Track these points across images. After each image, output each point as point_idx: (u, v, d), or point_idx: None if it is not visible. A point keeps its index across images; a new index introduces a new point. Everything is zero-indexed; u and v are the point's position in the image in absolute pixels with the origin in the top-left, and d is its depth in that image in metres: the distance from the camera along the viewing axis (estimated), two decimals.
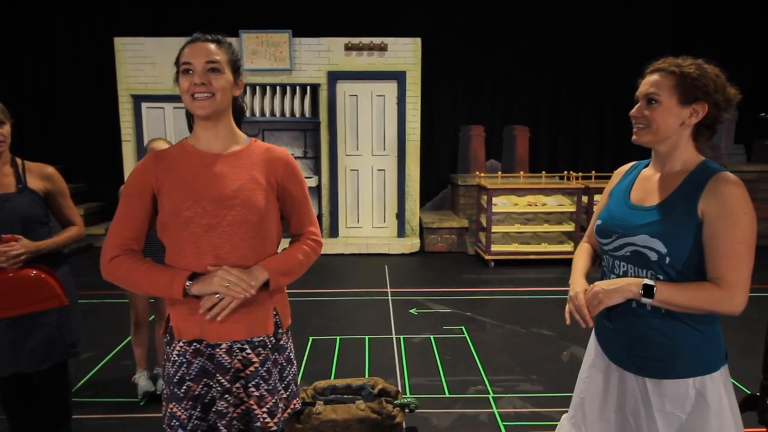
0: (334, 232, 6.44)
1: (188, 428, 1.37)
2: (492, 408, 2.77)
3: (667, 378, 1.32)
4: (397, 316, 4.17)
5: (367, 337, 3.73)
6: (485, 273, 5.46)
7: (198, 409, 1.38)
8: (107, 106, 6.48)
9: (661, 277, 1.30)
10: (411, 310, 4.29)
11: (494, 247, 5.71)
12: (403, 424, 2.50)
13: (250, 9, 6.51)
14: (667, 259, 1.28)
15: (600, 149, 7.26)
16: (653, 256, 1.30)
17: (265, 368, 1.40)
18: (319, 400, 2.47)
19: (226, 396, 1.37)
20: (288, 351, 1.50)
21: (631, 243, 1.34)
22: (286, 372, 1.48)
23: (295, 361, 1.54)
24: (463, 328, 3.90)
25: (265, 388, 1.39)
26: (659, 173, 1.39)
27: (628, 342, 1.38)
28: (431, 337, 3.73)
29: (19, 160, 1.97)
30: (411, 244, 6.27)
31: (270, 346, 1.42)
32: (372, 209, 6.48)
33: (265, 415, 1.38)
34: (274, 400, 1.40)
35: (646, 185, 1.40)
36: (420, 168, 6.38)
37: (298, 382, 2.93)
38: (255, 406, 1.38)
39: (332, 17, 6.60)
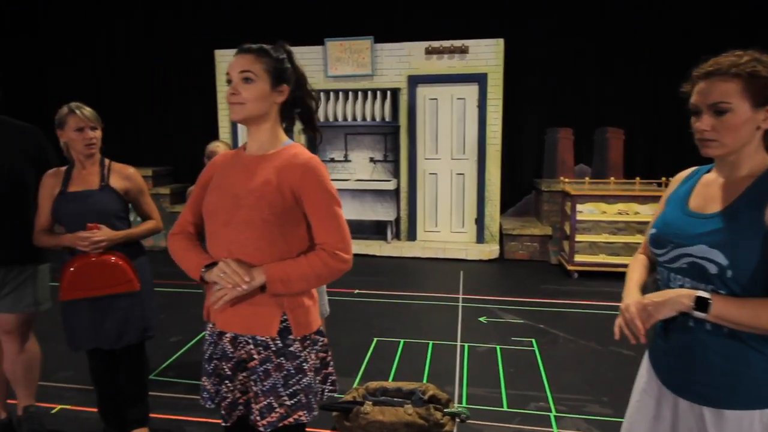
0: (411, 235, 6.46)
1: (216, 401, 1.49)
2: (552, 427, 2.61)
3: (728, 408, 1.17)
4: (465, 323, 4.08)
5: (431, 342, 3.69)
6: (567, 284, 5.15)
7: (223, 386, 1.50)
8: (209, 113, 7.07)
9: (722, 292, 1.16)
10: (480, 319, 4.17)
11: (578, 257, 5.37)
12: None
13: (335, 17, 6.75)
14: (729, 273, 1.14)
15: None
16: (713, 269, 1.16)
17: (263, 368, 1.42)
18: (369, 400, 2.49)
19: (227, 382, 1.47)
20: (300, 360, 1.44)
21: (687, 254, 1.21)
22: (294, 380, 1.43)
23: (311, 373, 1.47)
24: (533, 340, 3.71)
25: (261, 387, 1.41)
26: (723, 179, 1.24)
27: (684, 365, 1.24)
28: (497, 347, 3.60)
29: (107, 161, 2.22)
30: (490, 250, 6.10)
31: (274, 348, 1.42)
32: (450, 214, 6.40)
33: (257, 413, 1.41)
34: (267, 402, 1.40)
35: (707, 191, 1.26)
36: (501, 172, 6.19)
37: (356, 381, 3.00)
38: (252, 401, 1.44)
39: (413, 21, 6.63)
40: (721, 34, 6.27)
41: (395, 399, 2.50)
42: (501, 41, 5.90)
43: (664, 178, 5.68)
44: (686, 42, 6.46)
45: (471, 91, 6.07)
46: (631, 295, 1.32)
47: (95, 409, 2.43)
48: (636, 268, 1.43)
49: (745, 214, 1.16)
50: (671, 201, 1.35)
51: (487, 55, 5.93)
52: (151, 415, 2.50)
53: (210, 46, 6.71)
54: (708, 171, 1.31)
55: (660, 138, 6.70)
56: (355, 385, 3.04)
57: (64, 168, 2.19)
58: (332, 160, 6.65)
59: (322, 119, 6.32)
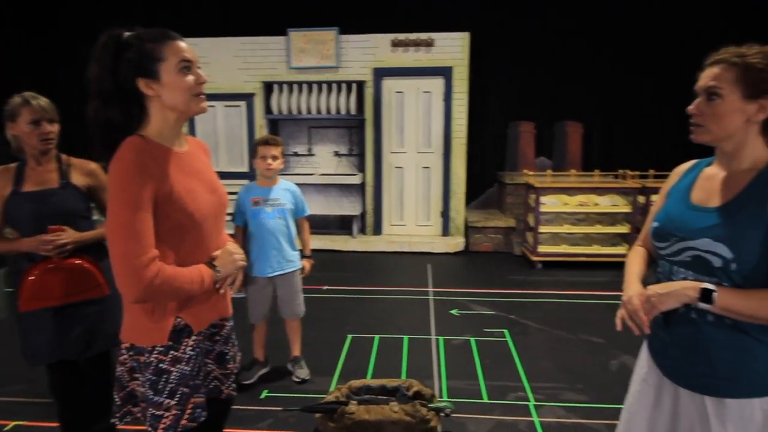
0: (377, 229, 6.43)
1: (206, 410, 1.48)
2: (532, 416, 2.65)
3: (730, 397, 1.20)
4: (437, 316, 4.10)
5: (405, 337, 3.68)
6: (532, 275, 5.27)
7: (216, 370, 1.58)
8: None
9: (726, 285, 1.18)
10: (452, 311, 4.20)
11: (542, 248, 5.51)
12: (438, 428, 2.44)
13: (299, 7, 6.58)
14: (733, 266, 1.16)
15: (659, 146, 6.84)
16: (717, 262, 1.18)
17: (232, 335, 1.64)
18: (353, 399, 2.45)
19: (234, 356, 1.62)
20: None
21: (691, 247, 1.23)
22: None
23: None
24: (505, 331, 3.77)
25: (234, 351, 1.63)
26: (724, 172, 1.26)
27: (686, 355, 1.26)
28: (472, 339, 3.63)
29: (64, 157, 2.05)
30: (455, 243, 6.16)
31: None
32: (416, 207, 6.41)
33: (233, 365, 1.62)
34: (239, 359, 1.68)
35: (710, 185, 1.28)
36: (466, 166, 6.25)
37: (333, 380, 2.97)
38: (233, 364, 1.62)
39: (379, 13, 6.56)
40: (681, 30, 6.56)
41: (380, 397, 2.47)
42: (466, 35, 5.93)
43: (620, 170, 5.90)
44: (641, 39, 6.73)
45: (437, 84, 6.08)
46: (633, 287, 1.33)
47: (55, 424, 2.26)
48: (635, 260, 1.45)
49: (748, 208, 1.17)
50: (673, 194, 1.36)
51: (452, 48, 5.95)
52: (118, 426, 2.35)
53: None
54: (709, 164, 1.33)
55: (616, 132, 6.96)
56: (333, 383, 2.99)
57: (13, 165, 1.99)
58: (296, 154, 6.50)
59: (285, 112, 6.16)
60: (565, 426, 2.57)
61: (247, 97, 6.24)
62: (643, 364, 1.42)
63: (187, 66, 1.33)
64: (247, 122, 6.32)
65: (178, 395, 1.40)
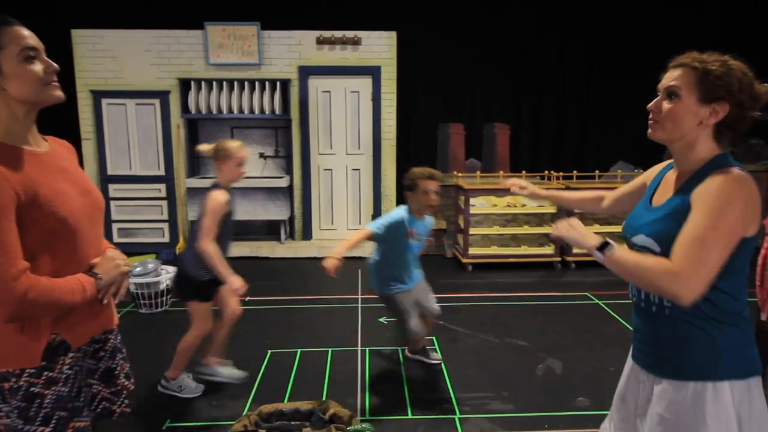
0: (306, 234, 6.18)
1: None
2: (457, 431, 2.54)
3: (669, 378, 1.27)
4: (365, 325, 3.93)
5: (330, 349, 3.48)
6: (462, 277, 5.24)
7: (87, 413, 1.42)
8: (66, 102, 6.14)
9: None
10: (381, 319, 4.05)
11: (472, 250, 5.49)
12: None
13: (216, 0, 6.20)
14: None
15: (582, 148, 7.08)
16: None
17: (119, 341, 1.52)
18: (263, 427, 2.22)
19: (126, 371, 1.50)
20: None
21: (634, 243, 1.30)
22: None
23: None
24: (434, 338, 3.66)
25: (124, 363, 1.52)
26: (676, 174, 1.31)
27: (644, 340, 1.36)
28: (399, 349, 3.49)
29: None
30: None
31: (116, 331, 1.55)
32: (347, 210, 6.23)
33: (128, 383, 1.52)
34: (128, 370, 1.55)
35: (665, 186, 1.35)
36: (396, 167, 6.14)
37: (248, 403, 2.72)
38: (124, 379, 1.51)
39: (303, 9, 6.32)
40: (604, 40, 6.78)
41: (292, 422, 2.27)
42: (394, 34, 5.81)
43: (547, 171, 6.01)
44: (570, 45, 6.91)
45: (365, 83, 5.92)
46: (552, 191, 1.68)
47: None
48: (585, 191, 1.72)
49: (676, 205, 1.22)
50: (646, 193, 1.42)
51: (379, 47, 5.82)
52: None
53: (66, 25, 5.81)
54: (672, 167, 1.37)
55: (543, 133, 7.12)
56: (246, 408, 2.74)
57: None
58: None
59: (204, 111, 5.78)
60: None
61: (162, 95, 5.80)
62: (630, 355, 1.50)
63: (31, 54, 1.22)
64: (162, 122, 5.87)
65: (54, 421, 1.27)
